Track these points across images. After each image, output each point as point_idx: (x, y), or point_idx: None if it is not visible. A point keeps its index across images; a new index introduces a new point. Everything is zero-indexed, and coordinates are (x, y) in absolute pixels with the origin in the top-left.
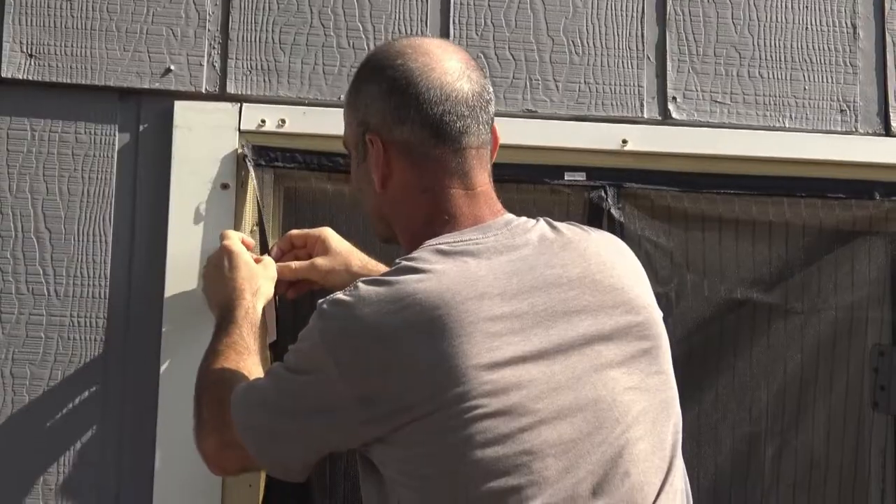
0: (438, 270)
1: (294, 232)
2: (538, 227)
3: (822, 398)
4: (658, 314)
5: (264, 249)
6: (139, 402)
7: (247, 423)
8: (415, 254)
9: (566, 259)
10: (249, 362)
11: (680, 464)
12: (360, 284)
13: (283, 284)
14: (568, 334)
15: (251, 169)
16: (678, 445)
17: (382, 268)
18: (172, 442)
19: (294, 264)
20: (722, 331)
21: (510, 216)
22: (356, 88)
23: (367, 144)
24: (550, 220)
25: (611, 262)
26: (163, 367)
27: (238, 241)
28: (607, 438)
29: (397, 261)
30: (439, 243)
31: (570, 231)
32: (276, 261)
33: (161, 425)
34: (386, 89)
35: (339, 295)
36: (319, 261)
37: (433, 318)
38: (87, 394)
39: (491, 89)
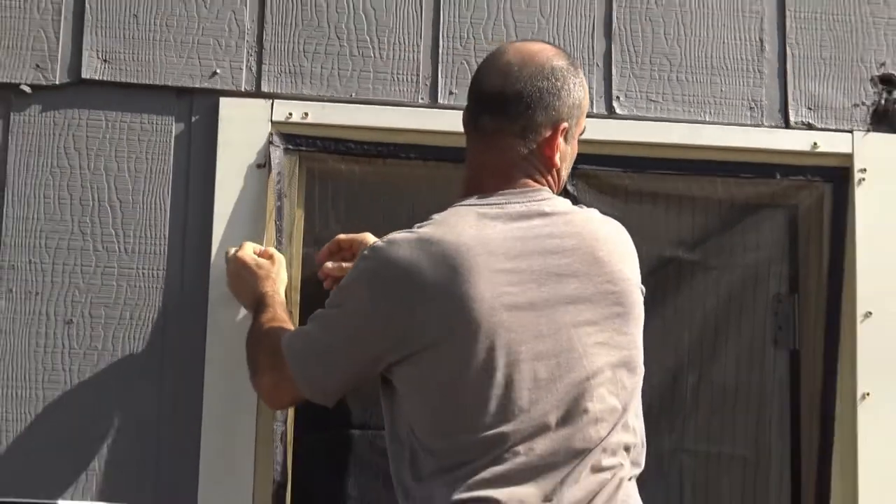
0: (459, 228)
1: (341, 236)
2: (551, 203)
3: (733, 338)
4: (637, 288)
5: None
6: (191, 333)
7: (294, 356)
8: (445, 213)
9: (566, 232)
10: (288, 325)
11: (636, 406)
12: (394, 234)
13: (331, 281)
14: (556, 293)
15: (272, 154)
16: (636, 392)
17: None
18: (220, 361)
19: (344, 265)
20: (655, 284)
21: (535, 188)
22: None
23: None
24: (565, 201)
25: (604, 239)
26: (211, 305)
27: (248, 249)
28: (574, 381)
29: (431, 216)
30: (466, 204)
31: (576, 212)
32: (325, 260)
33: (209, 348)
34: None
35: (378, 242)
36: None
37: (453, 263)
38: (150, 329)
39: (549, 87)
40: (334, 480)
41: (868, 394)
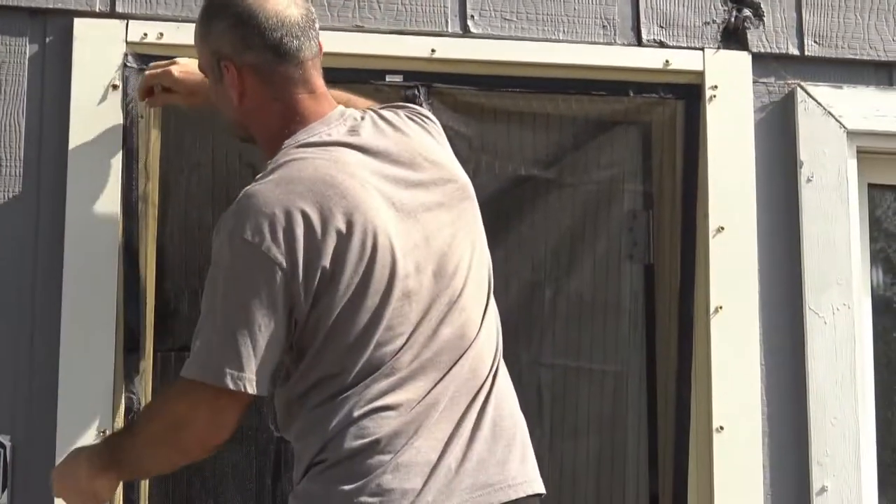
0: (309, 159)
1: (149, 73)
2: (368, 120)
3: (589, 252)
4: (468, 179)
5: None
6: (48, 254)
7: (211, 369)
8: (281, 156)
9: (399, 145)
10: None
11: (492, 300)
12: (246, 190)
13: (143, 93)
14: (415, 203)
15: (127, 75)
16: (490, 284)
17: None
18: (77, 282)
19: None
20: (510, 200)
21: (340, 107)
22: (206, 24)
23: (222, 70)
24: (376, 112)
25: (429, 143)
26: (67, 225)
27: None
28: (450, 284)
29: (268, 163)
30: (297, 142)
31: (394, 121)
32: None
33: (67, 269)
34: (232, 23)
35: (231, 207)
36: (173, 70)
37: (323, 194)
38: (6, 250)
39: (313, 10)
40: None
41: (721, 307)
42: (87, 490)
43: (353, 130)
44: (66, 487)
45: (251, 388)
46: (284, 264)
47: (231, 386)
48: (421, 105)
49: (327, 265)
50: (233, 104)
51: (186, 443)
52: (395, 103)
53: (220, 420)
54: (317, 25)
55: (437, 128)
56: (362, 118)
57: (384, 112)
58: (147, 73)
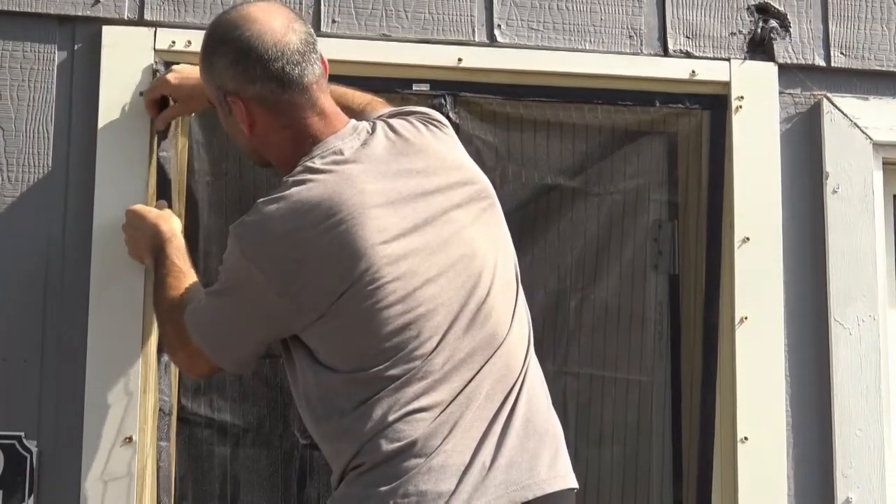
0: (320, 178)
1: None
2: (379, 131)
3: (615, 262)
4: (486, 179)
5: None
6: (75, 261)
7: (202, 337)
8: (296, 172)
9: (410, 153)
10: (188, 282)
11: (521, 294)
12: (260, 206)
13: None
14: (429, 210)
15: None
16: (518, 278)
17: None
18: (105, 289)
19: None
20: (536, 209)
21: (353, 122)
22: (208, 61)
23: (229, 104)
24: (386, 122)
25: (443, 149)
26: (95, 231)
27: (138, 205)
28: (476, 284)
29: (284, 179)
30: (311, 158)
31: (405, 130)
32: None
33: (94, 276)
34: (233, 59)
35: (246, 218)
36: (170, 78)
37: (330, 215)
38: (35, 257)
39: (312, 31)
40: (220, 411)
41: (746, 318)
42: (137, 241)
43: (366, 144)
44: (131, 242)
45: (226, 368)
46: (273, 287)
47: (212, 359)
48: (447, 114)
49: (333, 289)
50: (244, 135)
51: (169, 355)
52: (405, 108)
53: (195, 366)
54: (318, 46)
55: (450, 130)
56: (373, 131)
57: (395, 122)
58: (149, 90)
